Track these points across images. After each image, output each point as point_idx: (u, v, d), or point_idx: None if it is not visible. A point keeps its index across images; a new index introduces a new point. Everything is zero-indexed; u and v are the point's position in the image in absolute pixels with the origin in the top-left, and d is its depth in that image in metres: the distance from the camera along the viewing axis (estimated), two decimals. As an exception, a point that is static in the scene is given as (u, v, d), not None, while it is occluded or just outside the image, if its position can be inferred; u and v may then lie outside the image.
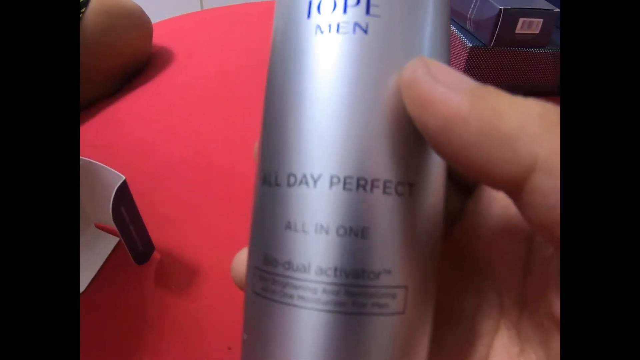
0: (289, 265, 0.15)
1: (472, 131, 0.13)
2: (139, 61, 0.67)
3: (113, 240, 0.40)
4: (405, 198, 0.15)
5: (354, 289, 0.14)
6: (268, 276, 0.15)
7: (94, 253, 0.39)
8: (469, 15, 0.62)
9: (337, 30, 0.15)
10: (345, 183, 0.15)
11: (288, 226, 0.15)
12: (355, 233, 0.14)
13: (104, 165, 0.35)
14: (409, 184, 0.15)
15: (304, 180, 0.15)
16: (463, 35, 0.62)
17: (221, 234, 0.42)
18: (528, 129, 0.13)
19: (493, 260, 0.19)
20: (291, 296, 0.15)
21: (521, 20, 0.58)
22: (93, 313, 0.36)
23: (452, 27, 0.64)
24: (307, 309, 0.14)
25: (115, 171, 0.34)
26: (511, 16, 0.57)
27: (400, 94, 0.15)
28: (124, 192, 0.34)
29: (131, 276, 0.38)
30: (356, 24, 0.15)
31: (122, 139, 0.54)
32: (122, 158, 0.50)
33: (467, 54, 0.60)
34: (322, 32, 0.15)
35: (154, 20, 0.69)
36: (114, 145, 0.52)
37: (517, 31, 0.59)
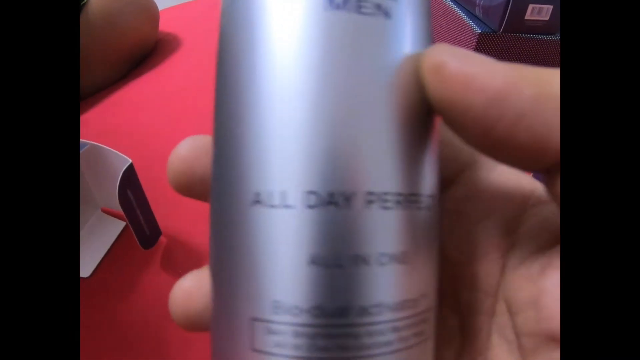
0: (320, 311, 0.12)
1: (527, 98, 0.12)
2: (145, 47, 0.67)
3: (120, 225, 0.40)
4: (431, 212, 0.13)
5: (398, 324, 0.12)
6: (285, 328, 0.12)
7: (101, 237, 0.39)
8: (477, 1, 0.61)
9: (359, 8, 0.12)
10: (383, 201, 0.12)
11: (314, 261, 0.12)
12: (397, 259, 0.12)
13: (110, 149, 0.35)
14: (431, 196, 0.13)
15: (332, 200, 0.12)
16: (472, 21, 0.61)
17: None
18: None
19: (459, 284, 0.17)
20: (327, 348, 0.12)
21: (531, 6, 0.57)
22: (99, 297, 0.36)
23: (461, 13, 0.64)
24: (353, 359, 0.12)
25: (122, 154, 0.34)
26: (521, 2, 0.56)
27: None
28: (130, 175, 0.34)
29: (138, 260, 0.38)
30: (378, 6, 0.12)
31: (129, 124, 0.54)
32: (129, 143, 0.50)
33: (476, 40, 0.59)
34: (336, 7, 0.12)
35: (161, 6, 0.69)
36: (121, 130, 0.52)
37: (526, 17, 0.58)
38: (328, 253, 0.12)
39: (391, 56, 0.13)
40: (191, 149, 0.16)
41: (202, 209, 0.45)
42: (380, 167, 0.12)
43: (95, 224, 0.40)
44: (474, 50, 0.60)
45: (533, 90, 0.12)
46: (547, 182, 0.13)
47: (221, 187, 0.13)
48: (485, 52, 0.60)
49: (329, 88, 0.12)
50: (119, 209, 0.34)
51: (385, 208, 0.12)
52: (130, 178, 0.34)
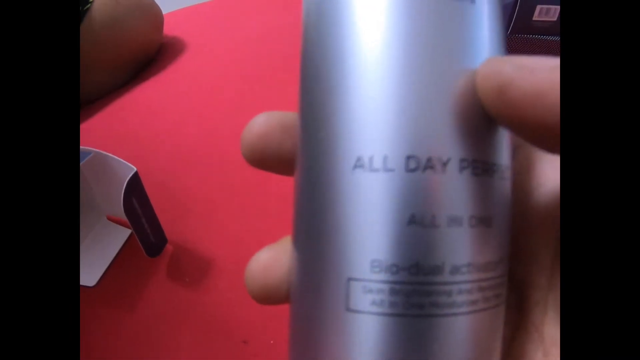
0: (417, 269, 0.12)
1: None
2: (149, 51, 0.66)
3: (125, 232, 0.40)
4: (507, 181, 0.14)
5: (484, 284, 0.13)
6: (382, 286, 0.12)
7: (106, 245, 0.39)
8: (485, 2, 0.61)
9: None
10: (474, 167, 0.13)
11: (413, 220, 0.12)
12: (484, 222, 0.13)
13: (115, 157, 0.35)
14: (506, 165, 0.14)
15: (430, 164, 0.12)
16: (479, 22, 0.60)
17: (235, 226, 0.41)
18: None
19: (513, 256, 0.17)
20: (422, 306, 0.12)
21: (538, 7, 0.57)
22: (106, 306, 0.35)
23: (468, 15, 0.63)
24: (444, 317, 0.12)
25: (127, 162, 0.34)
26: (528, 3, 0.55)
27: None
28: (135, 183, 0.34)
29: (144, 269, 0.38)
30: None
31: (134, 129, 0.53)
32: (133, 149, 0.49)
33: (483, 42, 0.59)
34: None
35: (164, 10, 0.69)
36: (125, 136, 0.52)
37: (534, 18, 0.58)
38: (426, 213, 0.12)
39: (476, 39, 0.13)
40: (265, 124, 0.16)
41: (208, 217, 0.44)
42: (472, 137, 0.13)
43: (100, 232, 0.40)
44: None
45: None
46: None
47: (318, 153, 0.14)
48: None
49: (423, 64, 0.13)
50: (124, 217, 0.33)
51: (476, 174, 0.13)
52: (135, 186, 0.34)
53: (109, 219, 0.41)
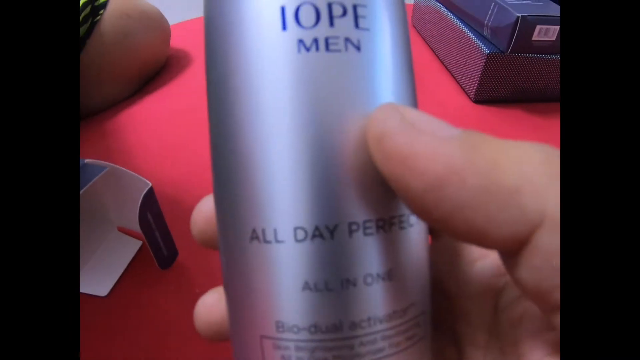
0: (316, 328, 0.13)
1: (469, 189, 0.11)
2: (157, 63, 0.68)
3: (136, 244, 0.41)
4: (415, 228, 0.14)
5: (389, 332, 0.13)
6: (288, 344, 0.13)
7: (118, 257, 0.40)
8: (485, 22, 0.62)
9: (327, 47, 0.13)
10: (364, 228, 0.13)
11: (307, 287, 0.13)
12: (382, 277, 0.13)
13: (130, 172, 0.36)
14: (409, 213, 0.14)
15: (317, 234, 0.13)
16: (480, 41, 0.62)
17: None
18: (533, 179, 0.11)
19: (455, 317, 0.18)
20: (325, 359, 0.13)
21: (538, 27, 0.58)
22: (117, 315, 0.36)
23: (470, 34, 0.65)
24: None
25: (142, 177, 0.35)
26: (528, 24, 0.57)
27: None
28: (150, 198, 0.35)
29: (155, 280, 0.39)
30: (347, 40, 0.13)
31: (143, 141, 0.54)
32: (144, 161, 0.50)
33: (485, 60, 0.60)
34: (307, 50, 0.13)
35: (171, 22, 0.70)
36: (135, 148, 0.53)
37: (534, 38, 0.59)
38: (318, 280, 0.13)
39: (365, 89, 0.13)
40: (211, 208, 0.17)
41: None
42: (362, 199, 0.13)
43: (112, 243, 0.41)
44: (482, 70, 0.61)
45: (478, 181, 0.11)
46: (505, 264, 0.13)
47: (224, 224, 0.15)
48: (493, 72, 0.61)
49: (305, 131, 0.13)
50: (136, 229, 0.34)
51: (367, 234, 0.13)
52: (150, 201, 0.35)
53: (120, 230, 0.42)
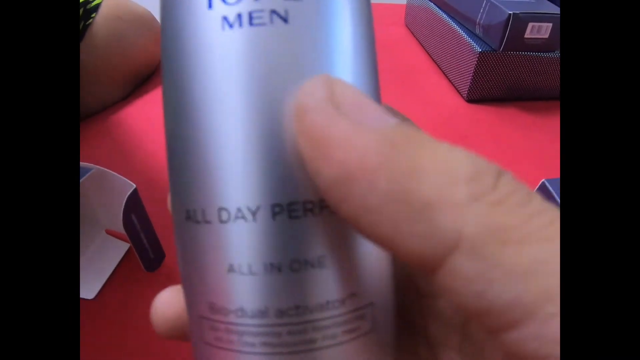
0: (242, 312, 0.13)
1: (378, 192, 0.10)
2: (150, 66, 0.68)
3: (124, 246, 0.41)
4: None
5: (321, 323, 0.13)
6: (220, 326, 0.13)
7: (105, 259, 0.40)
8: (477, 20, 0.62)
9: (250, 21, 0.12)
10: (290, 211, 0.12)
11: (231, 269, 0.13)
12: (312, 264, 0.13)
13: (115, 173, 0.36)
14: None
15: (239, 215, 0.12)
16: (472, 40, 0.62)
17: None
18: (451, 195, 0.10)
19: (428, 317, 0.17)
20: (253, 344, 0.13)
21: (530, 24, 0.58)
22: (105, 318, 0.36)
23: (461, 32, 0.64)
24: (275, 355, 0.13)
25: (126, 179, 0.35)
26: (520, 21, 0.57)
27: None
28: (134, 200, 0.35)
29: (142, 282, 0.39)
30: (273, 12, 0.12)
31: (134, 144, 0.54)
32: (132, 164, 0.50)
33: (477, 59, 0.60)
34: (230, 27, 0.12)
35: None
36: (125, 151, 0.53)
37: (526, 36, 0.59)
38: (242, 263, 0.13)
39: (293, 64, 0.12)
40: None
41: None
42: (283, 180, 0.12)
43: (99, 245, 0.41)
44: (474, 69, 0.61)
45: (387, 185, 0.10)
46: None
47: (171, 206, 0.15)
48: (485, 71, 0.61)
49: (228, 112, 0.12)
50: (123, 232, 0.34)
51: (293, 217, 0.12)
52: (134, 202, 0.35)
53: (108, 232, 0.42)
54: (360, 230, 0.11)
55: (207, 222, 0.13)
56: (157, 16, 0.67)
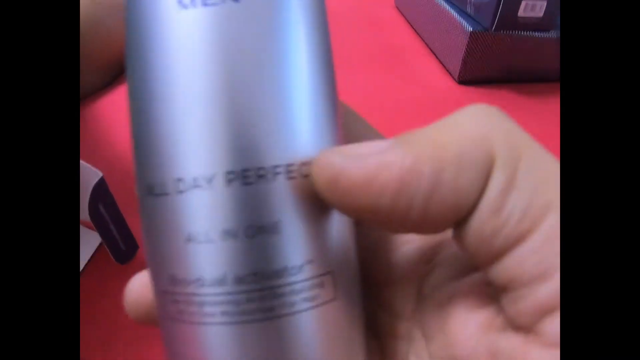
0: (201, 282, 0.13)
1: (428, 175, 0.12)
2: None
3: (97, 238, 0.39)
4: (305, 178, 0.14)
5: (279, 290, 0.13)
6: (181, 298, 0.13)
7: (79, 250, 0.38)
8: (469, -2, 0.60)
9: (204, 2, 0.13)
10: (243, 177, 0.13)
11: (189, 239, 0.13)
12: (267, 230, 0.13)
13: (81, 161, 0.34)
14: (302, 161, 0.14)
15: (195, 183, 0.13)
16: (463, 19, 0.60)
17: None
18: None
19: (376, 307, 0.17)
20: (213, 314, 0.13)
21: (524, 2, 0.56)
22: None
23: (452, 11, 0.62)
24: (235, 324, 0.13)
25: (93, 167, 0.33)
26: (513, -1, 0.55)
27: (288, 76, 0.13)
28: (101, 189, 0.33)
29: (116, 274, 0.37)
30: None
31: (109, 134, 0.53)
32: (102, 154, 0.49)
33: (468, 39, 0.58)
34: (185, 7, 0.13)
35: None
36: (97, 140, 0.51)
37: (519, 14, 0.57)
38: (199, 231, 0.13)
39: (245, 44, 0.13)
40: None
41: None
42: (234, 147, 0.13)
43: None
44: (466, 49, 0.58)
45: (432, 165, 0.12)
46: (456, 235, 0.13)
47: (136, 184, 0.15)
48: (477, 51, 0.59)
49: (181, 86, 0.13)
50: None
51: (246, 184, 0.13)
52: (101, 192, 0.33)
53: (82, 223, 0.40)
54: (431, 217, 0.13)
55: (166, 193, 0.13)
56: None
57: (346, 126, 0.16)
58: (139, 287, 0.17)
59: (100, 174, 0.33)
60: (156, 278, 0.14)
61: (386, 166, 0.12)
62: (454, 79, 0.63)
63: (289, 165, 0.13)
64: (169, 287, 0.14)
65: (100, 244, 0.39)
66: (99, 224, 0.33)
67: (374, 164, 0.12)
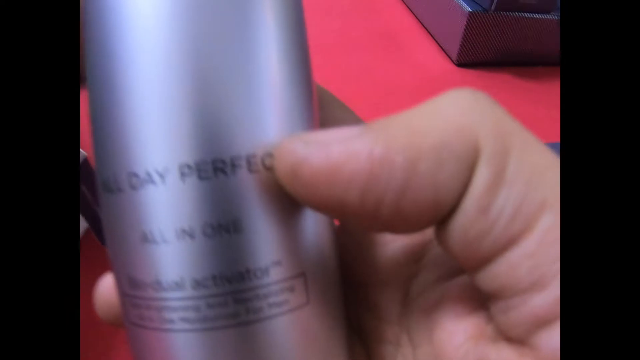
0: (158, 285, 0.12)
1: (400, 166, 0.11)
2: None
3: (84, 224, 0.38)
4: (269, 171, 0.13)
5: (243, 295, 0.12)
6: (140, 302, 0.12)
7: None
8: (468, -22, 0.58)
9: None
10: (199, 171, 0.12)
11: (144, 238, 0.12)
12: (226, 228, 0.12)
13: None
14: (265, 153, 0.12)
15: (148, 179, 0.12)
16: (461, -1, 0.58)
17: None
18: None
19: (362, 310, 0.16)
20: (172, 321, 0.12)
21: (524, -17, 0.55)
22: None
23: (450, -8, 0.61)
24: (196, 332, 0.12)
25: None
26: (513, -22, 0.54)
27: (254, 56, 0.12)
28: (85, 170, 0.32)
29: (104, 260, 0.36)
30: None
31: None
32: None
33: (466, 19, 0.57)
34: None
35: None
36: (84, 122, 0.50)
37: (519, -5, 0.56)
38: (154, 230, 0.12)
39: (207, 26, 0.12)
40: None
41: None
42: (187, 139, 0.12)
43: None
44: (464, 30, 0.57)
45: (406, 154, 0.11)
46: (438, 235, 0.12)
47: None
48: (475, 33, 0.57)
49: (133, 73, 0.12)
50: (76, 206, 0.32)
51: (203, 178, 0.12)
52: (85, 173, 0.32)
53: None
54: (405, 213, 0.11)
55: (120, 189, 0.12)
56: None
57: (325, 115, 0.15)
58: (107, 287, 0.16)
59: (85, 154, 0.32)
60: (117, 280, 0.13)
61: (354, 155, 0.11)
62: (452, 62, 0.61)
63: (250, 156, 0.12)
64: (128, 289, 0.13)
65: (87, 230, 0.38)
66: (82, 206, 0.32)
67: (340, 152, 0.11)
